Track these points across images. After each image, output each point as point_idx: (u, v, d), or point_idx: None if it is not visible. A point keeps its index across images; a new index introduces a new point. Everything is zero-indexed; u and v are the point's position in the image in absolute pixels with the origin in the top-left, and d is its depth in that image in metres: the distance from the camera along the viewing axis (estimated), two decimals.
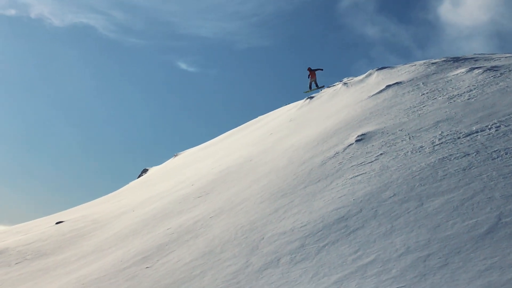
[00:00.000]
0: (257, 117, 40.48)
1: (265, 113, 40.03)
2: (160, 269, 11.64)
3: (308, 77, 35.75)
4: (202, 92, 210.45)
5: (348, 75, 32.92)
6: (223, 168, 21.62)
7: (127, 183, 40.46)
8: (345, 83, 29.86)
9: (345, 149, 14.95)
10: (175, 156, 42.82)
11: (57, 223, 25.04)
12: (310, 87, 35.71)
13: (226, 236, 11.83)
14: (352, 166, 13.18)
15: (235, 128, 39.94)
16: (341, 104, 24.29)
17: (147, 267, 12.18)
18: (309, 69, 35.58)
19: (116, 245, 16.13)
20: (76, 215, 26.52)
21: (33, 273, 16.50)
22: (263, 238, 10.73)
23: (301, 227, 10.46)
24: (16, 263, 18.33)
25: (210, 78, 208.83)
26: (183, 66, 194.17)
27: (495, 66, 20.22)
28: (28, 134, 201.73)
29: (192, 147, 44.10)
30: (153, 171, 43.25)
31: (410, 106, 17.63)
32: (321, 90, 33.80)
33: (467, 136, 12.57)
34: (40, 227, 25.35)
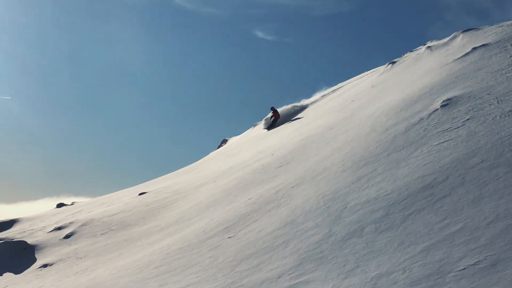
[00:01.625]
0: (337, 84, 40.01)
1: (345, 80, 39.50)
2: (242, 239, 11.68)
3: (272, 117, 36.61)
4: (280, 60, 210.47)
5: (423, 40, 32.18)
6: (303, 137, 21.49)
7: (207, 153, 40.93)
8: (428, 47, 28.97)
9: (430, 114, 14.49)
10: (254, 126, 42.96)
11: (140, 194, 25.68)
12: (273, 125, 36.23)
13: (308, 206, 11.73)
14: (438, 132, 12.78)
15: (314, 96, 39.50)
16: (425, 69, 23.61)
17: (229, 237, 12.26)
18: (273, 109, 36.62)
19: (198, 215, 16.34)
20: (159, 186, 27.09)
21: (118, 244, 16.98)
22: (346, 207, 10.57)
23: (385, 195, 10.24)
24: (102, 234, 18.92)
25: (288, 46, 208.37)
26: (260, 34, 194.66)
27: None
28: (111, 108, 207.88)
29: None
30: (232, 141, 43.64)
31: (498, 69, 16.89)
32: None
33: None
34: (124, 199, 26.07)
